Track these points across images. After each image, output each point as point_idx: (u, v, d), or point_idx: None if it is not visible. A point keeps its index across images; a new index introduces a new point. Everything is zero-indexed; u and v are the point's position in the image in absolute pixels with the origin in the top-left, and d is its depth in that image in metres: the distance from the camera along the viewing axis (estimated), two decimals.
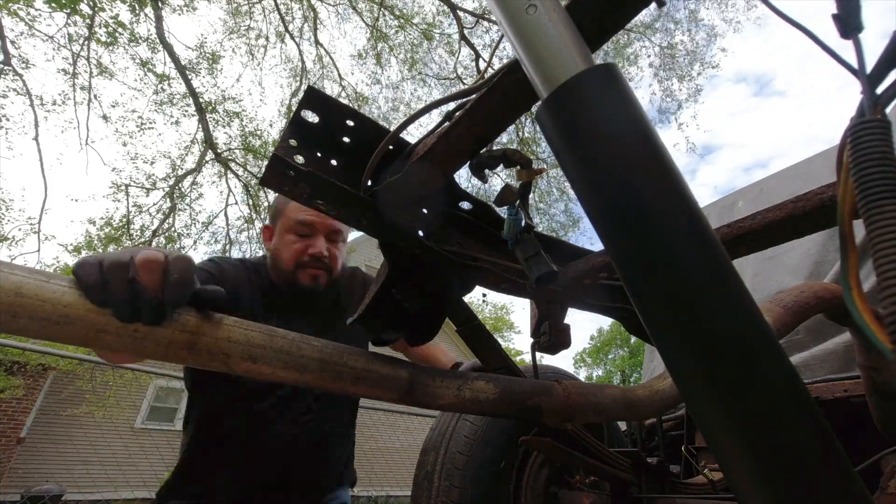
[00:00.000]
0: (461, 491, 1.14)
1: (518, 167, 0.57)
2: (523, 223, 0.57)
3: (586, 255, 0.84)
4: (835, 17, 0.30)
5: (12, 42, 6.01)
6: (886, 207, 0.24)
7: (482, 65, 8.26)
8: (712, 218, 2.36)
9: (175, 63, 7.01)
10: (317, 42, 8.56)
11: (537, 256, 0.54)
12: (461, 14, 8.07)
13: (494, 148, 0.58)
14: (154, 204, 7.42)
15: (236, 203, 8.12)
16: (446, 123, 0.55)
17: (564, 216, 9.56)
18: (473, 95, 0.51)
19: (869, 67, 0.29)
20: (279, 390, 1.13)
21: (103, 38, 6.56)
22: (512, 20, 0.35)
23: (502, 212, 0.65)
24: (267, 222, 1.26)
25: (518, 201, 0.57)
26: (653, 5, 0.42)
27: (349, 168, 0.61)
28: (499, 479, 1.18)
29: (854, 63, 0.29)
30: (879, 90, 0.28)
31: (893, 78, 0.28)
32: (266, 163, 0.53)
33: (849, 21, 0.29)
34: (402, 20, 8.36)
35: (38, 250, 6.69)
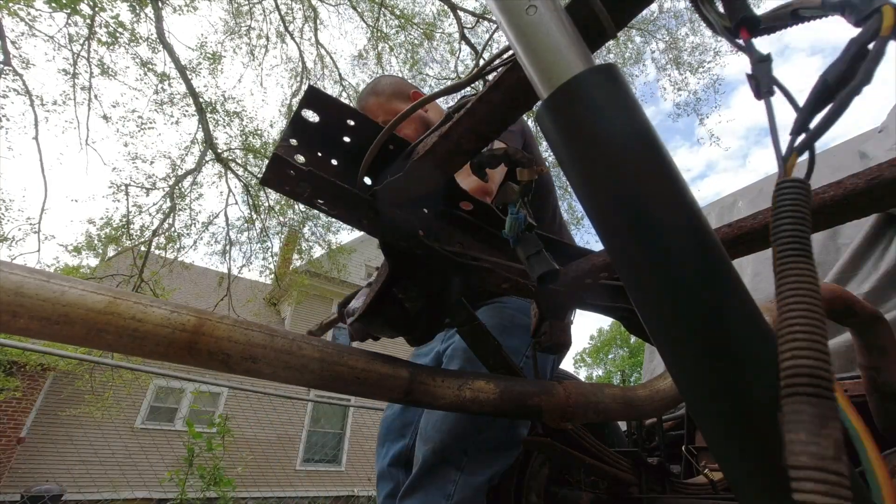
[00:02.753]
0: None
1: (518, 168, 0.57)
2: (525, 222, 0.57)
3: (587, 255, 0.84)
4: (749, 77, 0.30)
5: (13, 42, 6.01)
6: (795, 266, 0.24)
7: (482, 64, 8.24)
8: (712, 218, 2.36)
9: (175, 63, 7.01)
10: (317, 42, 8.56)
11: (539, 255, 0.54)
12: (461, 14, 8.08)
13: (496, 147, 0.58)
14: (154, 204, 7.42)
15: (236, 203, 8.12)
16: (447, 123, 0.55)
17: (568, 214, 9.55)
18: (468, 89, 0.51)
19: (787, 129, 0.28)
20: None
21: (104, 39, 6.56)
22: (512, 20, 0.35)
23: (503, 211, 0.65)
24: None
25: (519, 200, 0.57)
26: (654, 5, 0.42)
27: (350, 168, 0.61)
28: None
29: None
30: (799, 141, 0.28)
31: (807, 135, 0.28)
32: (266, 162, 0.53)
33: (762, 82, 0.29)
34: (402, 20, 8.36)
35: (38, 250, 6.69)
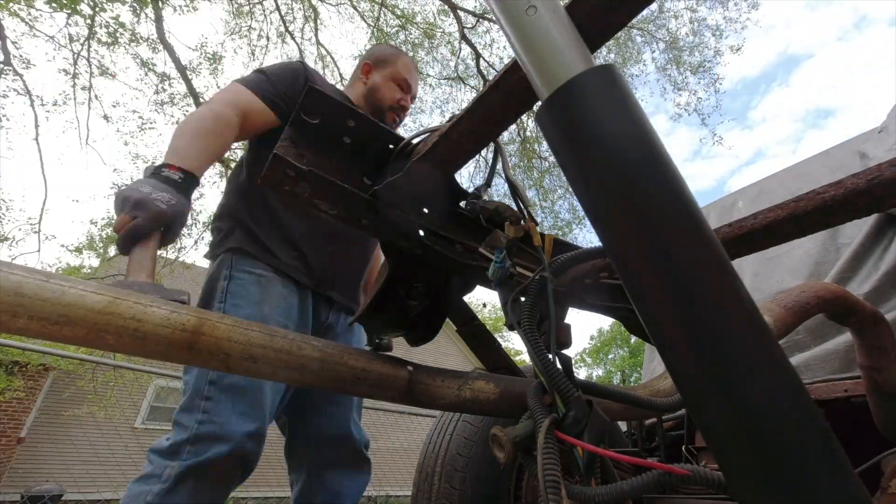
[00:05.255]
0: (461, 492, 1.14)
1: (507, 222, 0.58)
2: (507, 271, 0.59)
3: None
4: None
5: (13, 42, 6.02)
6: None
7: (483, 65, 8.27)
8: (712, 218, 2.36)
9: (175, 63, 7.01)
10: (318, 42, 8.56)
11: (514, 304, 0.56)
12: (461, 14, 8.08)
13: (492, 199, 0.60)
14: None
15: None
16: (447, 122, 0.55)
17: (569, 214, 9.54)
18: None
19: None
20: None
21: (104, 39, 6.57)
22: (512, 21, 0.35)
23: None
24: (367, 61, 1.50)
25: (505, 252, 0.58)
26: (654, 4, 0.42)
27: (350, 168, 0.61)
28: (499, 479, 1.17)
29: None
30: None
31: None
32: (266, 162, 0.53)
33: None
34: (402, 19, 8.36)
35: (39, 250, 6.69)
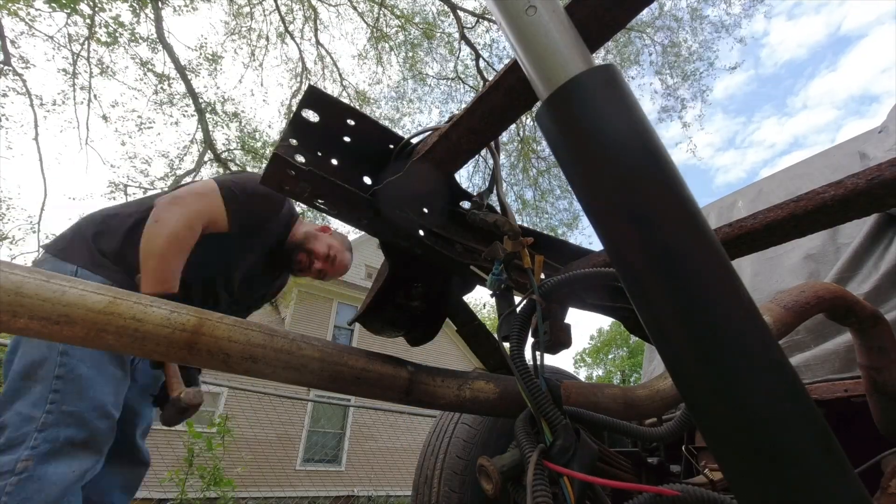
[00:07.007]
0: (461, 496, 1.14)
1: (506, 237, 0.59)
2: (504, 283, 0.59)
3: (587, 255, 0.84)
4: None
5: (12, 42, 6.01)
6: None
7: (482, 64, 8.28)
8: (712, 218, 2.36)
9: (175, 63, 7.01)
10: (317, 42, 8.56)
11: (510, 315, 0.57)
12: (461, 14, 8.08)
13: (490, 214, 0.61)
14: None
15: None
16: (447, 122, 0.55)
17: (568, 214, 9.60)
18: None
19: None
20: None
21: (103, 39, 6.57)
22: (512, 21, 0.35)
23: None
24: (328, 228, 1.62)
25: (503, 265, 0.59)
26: (654, 4, 0.42)
27: (350, 167, 0.61)
28: None
29: None
30: None
31: None
32: (266, 162, 0.53)
33: None
34: (402, 20, 8.36)
35: (38, 250, 6.68)
